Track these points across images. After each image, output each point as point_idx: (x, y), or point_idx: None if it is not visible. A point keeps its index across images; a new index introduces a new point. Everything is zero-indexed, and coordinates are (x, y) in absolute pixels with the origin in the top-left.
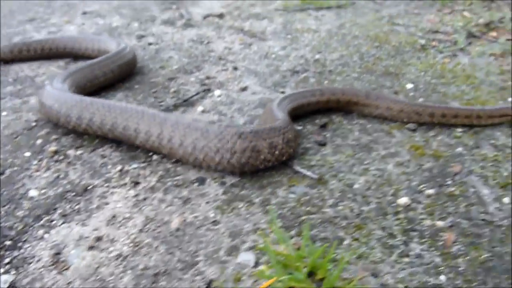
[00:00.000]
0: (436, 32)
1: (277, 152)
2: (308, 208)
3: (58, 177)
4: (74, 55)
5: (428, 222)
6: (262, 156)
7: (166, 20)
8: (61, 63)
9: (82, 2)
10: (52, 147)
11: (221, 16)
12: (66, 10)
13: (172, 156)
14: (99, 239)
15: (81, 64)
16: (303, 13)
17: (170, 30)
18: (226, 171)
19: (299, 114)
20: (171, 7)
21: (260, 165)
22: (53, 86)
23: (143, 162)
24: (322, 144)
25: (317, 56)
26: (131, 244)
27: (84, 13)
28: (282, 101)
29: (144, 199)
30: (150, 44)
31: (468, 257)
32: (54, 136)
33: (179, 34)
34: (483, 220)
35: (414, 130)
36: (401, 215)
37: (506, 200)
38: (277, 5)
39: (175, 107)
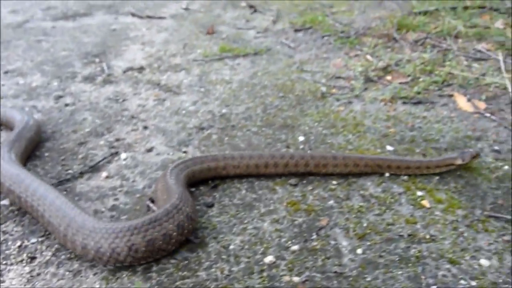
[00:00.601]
0: (339, 77)
1: (174, 240)
2: (184, 273)
3: None
4: None
5: (286, 279)
6: (164, 241)
7: (86, 76)
8: None
9: (5, 59)
10: None
11: (141, 69)
12: None
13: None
14: None
15: (9, 135)
16: (221, 62)
17: (88, 88)
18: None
19: (194, 181)
20: (94, 60)
21: (161, 253)
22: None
23: (42, 236)
24: (210, 206)
25: (224, 110)
26: None
27: (6, 72)
28: (174, 169)
29: (38, 274)
30: (66, 105)
31: None
32: None
33: (97, 92)
34: (335, 272)
35: (295, 185)
36: (265, 273)
37: (359, 251)
38: (197, 55)
39: (81, 174)
